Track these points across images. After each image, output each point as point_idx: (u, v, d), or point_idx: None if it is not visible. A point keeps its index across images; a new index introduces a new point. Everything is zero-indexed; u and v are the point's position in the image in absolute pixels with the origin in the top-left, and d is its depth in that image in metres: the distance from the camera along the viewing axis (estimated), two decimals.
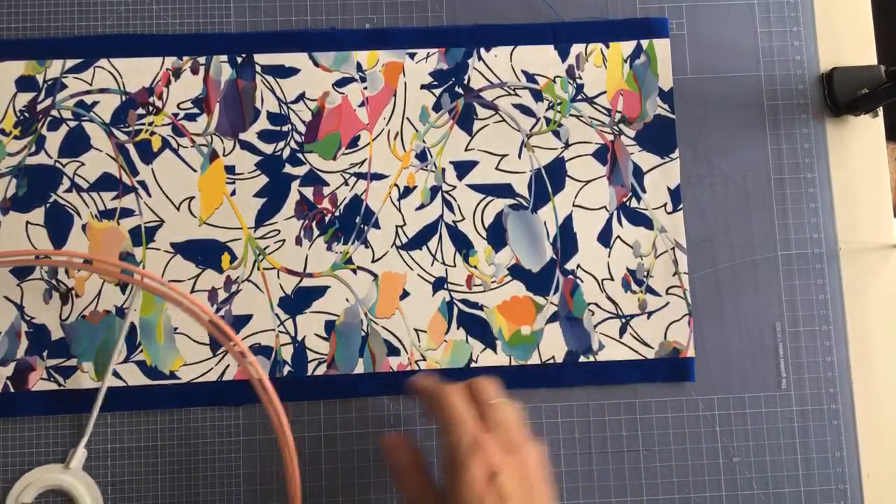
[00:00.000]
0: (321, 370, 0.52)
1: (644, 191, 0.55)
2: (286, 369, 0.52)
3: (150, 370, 0.52)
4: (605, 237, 0.54)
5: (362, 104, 0.55)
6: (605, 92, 0.56)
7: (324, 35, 0.55)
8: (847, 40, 0.57)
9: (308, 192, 0.54)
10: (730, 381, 0.54)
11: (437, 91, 0.55)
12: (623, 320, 0.54)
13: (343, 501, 0.51)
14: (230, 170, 0.54)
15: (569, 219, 0.54)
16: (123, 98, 0.54)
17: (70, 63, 0.54)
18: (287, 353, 0.52)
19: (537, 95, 0.55)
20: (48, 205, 0.53)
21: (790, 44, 0.57)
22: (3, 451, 0.51)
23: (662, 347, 0.54)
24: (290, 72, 0.55)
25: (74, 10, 0.55)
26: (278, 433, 0.45)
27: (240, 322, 0.52)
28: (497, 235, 0.54)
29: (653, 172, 0.55)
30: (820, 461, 0.53)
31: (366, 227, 0.54)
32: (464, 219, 0.54)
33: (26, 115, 0.53)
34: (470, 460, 0.40)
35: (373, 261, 0.54)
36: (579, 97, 0.55)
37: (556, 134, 0.55)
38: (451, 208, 0.54)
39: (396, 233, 0.54)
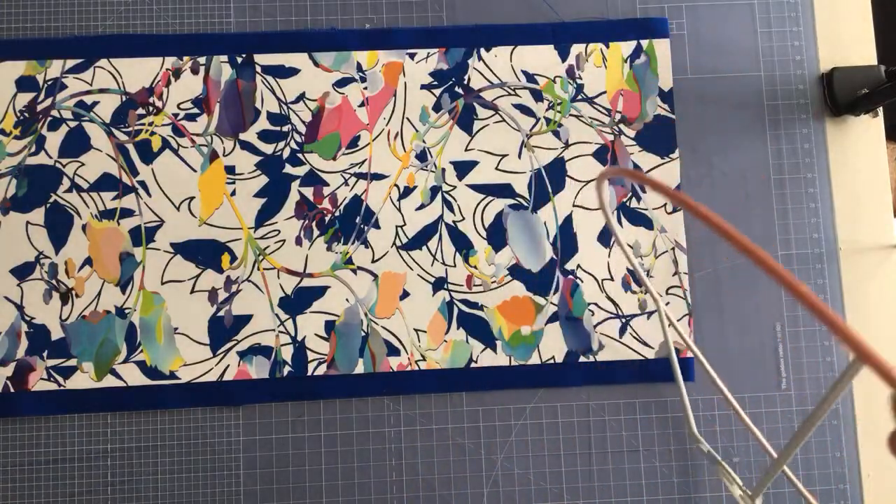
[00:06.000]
0: (321, 370, 0.52)
1: (644, 191, 0.55)
2: (286, 369, 0.52)
3: (150, 370, 0.52)
4: (605, 237, 0.54)
5: (362, 104, 0.55)
6: (605, 92, 0.56)
7: (324, 35, 0.55)
8: (847, 40, 0.57)
9: (308, 192, 0.54)
10: (730, 381, 0.54)
11: (437, 91, 0.55)
12: (623, 320, 0.54)
13: (343, 501, 0.51)
14: (230, 170, 0.54)
15: (569, 219, 0.54)
16: (123, 98, 0.54)
17: (70, 63, 0.54)
18: (287, 353, 0.52)
19: (537, 95, 0.55)
20: (48, 205, 0.53)
21: (790, 44, 0.57)
22: (2, 451, 0.51)
23: (662, 347, 0.53)
24: (291, 72, 0.55)
25: (74, 10, 0.55)
26: None
27: (240, 322, 0.52)
28: (497, 235, 0.54)
29: (653, 172, 0.55)
30: (820, 461, 0.53)
31: (366, 227, 0.54)
32: (464, 219, 0.54)
33: (26, 115, 0.53)
34: None
35: (373, 261, 0.54)
36: (579, 97, 0.55)
37: (556, 134, 0.55)
38: (451, 208, 0.54)
39: (396, 233, 0.54)
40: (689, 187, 0.55)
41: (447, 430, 0.52)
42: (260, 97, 0.54)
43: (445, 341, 0.53)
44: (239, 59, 0.55)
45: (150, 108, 0.54)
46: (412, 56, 0.55)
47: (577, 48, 0.56)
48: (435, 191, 0.54)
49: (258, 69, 0.55)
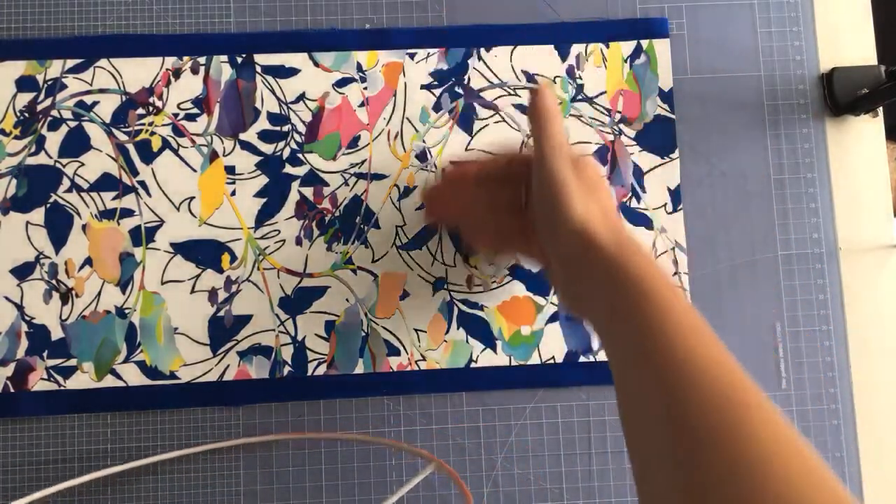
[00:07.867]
0: (321, 370, 0.52)
1: (644, 191, 0.55)
2: (286, 369, 0.52)
3: (150, 370, 0.52)
4: None
5: (362, 104, 0.55)
6: (605, 92, 0.56)
7: (324, 35, 0.55)
8: (847, 40, 0.57)
9: (308, 192, 0.54)
10: None
11: (437, 91, 0.55)
12: None
13: (343, 501, 0.51)
14: (230, 170, 0.54)
15: None
16: (123, 98, 0.54)
17: (70, 63, 0.54)
18: (287, 353, 0.52)
19: None
20: (48, 205, 0.53)
21: (790, 44, 0.57)
22: (2, 451, 0.51)
23: None
24: (291, 72, 0.55)
25: (74, 10, 0.55)
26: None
27: (240, 322, 0.52)
28: None
29: (653, 172, 0.55)
30: None
31: (366, 228, 0.54)
32: None
33: (26, 115, 0.53)
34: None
35: (373, 261, 0.54)
36: (579, 97, 0.55)
37: None
38: None
39: (396, 233, 0.54)
40: (689, 187, 0.55)
41: (447, 430, 0.52)
42: (260, 97, 0.54)
43: (445, 341, 0.53)
44: (239, 59, 0.55)
45: (150, 108, 0.54)
46: (412, 56, 0.55)
47: (577, 48, 0.56)
48: None
49: (258, 69, 0.55)
